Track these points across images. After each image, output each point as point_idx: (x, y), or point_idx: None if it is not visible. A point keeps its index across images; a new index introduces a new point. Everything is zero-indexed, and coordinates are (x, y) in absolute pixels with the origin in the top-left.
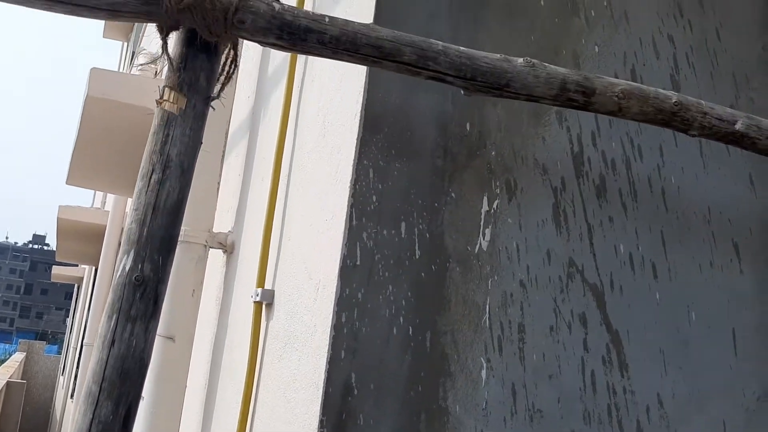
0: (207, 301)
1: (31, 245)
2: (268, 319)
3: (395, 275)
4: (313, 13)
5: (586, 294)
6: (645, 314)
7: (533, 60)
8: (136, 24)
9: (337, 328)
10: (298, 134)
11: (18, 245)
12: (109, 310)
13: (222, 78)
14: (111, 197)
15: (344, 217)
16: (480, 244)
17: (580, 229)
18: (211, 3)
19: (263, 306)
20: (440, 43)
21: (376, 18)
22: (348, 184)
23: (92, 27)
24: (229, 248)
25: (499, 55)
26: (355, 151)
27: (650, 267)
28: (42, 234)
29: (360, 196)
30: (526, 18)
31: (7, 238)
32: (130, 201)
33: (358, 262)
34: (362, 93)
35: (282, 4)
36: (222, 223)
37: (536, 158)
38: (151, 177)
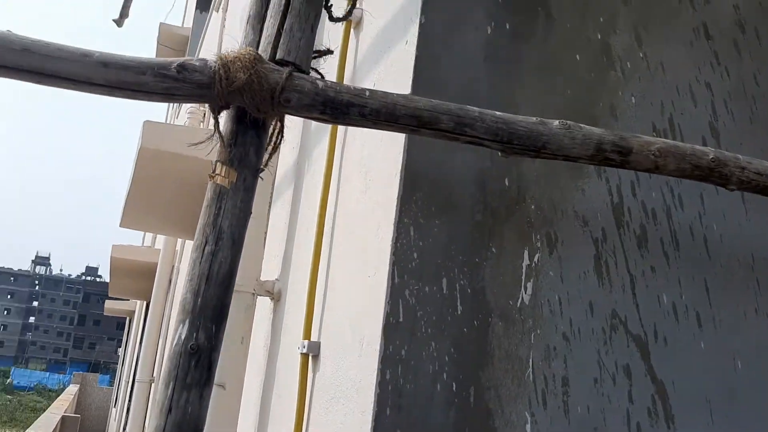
0: (255, 349)
1: (84, 277)
2: (314, 371)
3: (438, 331)
4: (354, 87)
5: (629, 345)
6: (690, 364)
7: (569, 122)
8: None
9: (381, 385)
10: (341, 188)
11: (72, 277)
12: (166, 378)
13: (269, 148)
14: (161, 236)
15: (386, 274)
16: (522, 297)
17: (622, 279)
18: (259, 84)
19: (310, 358)
20: (476, 109)
21: (414, 78)
22: (389, 242)
23: None
24: (276, 296)
25: (534, 119)
26: (396, 210)
27: (694, 316)
28: (95, 266)
29: (401, 254)
30: (562, 73)
31: (61, 270)
32: (179, 240)
33: (401, 319)
34: (402, 152)
35: (325, 81)
36: (269, 270)
37: (576, 210)
38: (204, 248)
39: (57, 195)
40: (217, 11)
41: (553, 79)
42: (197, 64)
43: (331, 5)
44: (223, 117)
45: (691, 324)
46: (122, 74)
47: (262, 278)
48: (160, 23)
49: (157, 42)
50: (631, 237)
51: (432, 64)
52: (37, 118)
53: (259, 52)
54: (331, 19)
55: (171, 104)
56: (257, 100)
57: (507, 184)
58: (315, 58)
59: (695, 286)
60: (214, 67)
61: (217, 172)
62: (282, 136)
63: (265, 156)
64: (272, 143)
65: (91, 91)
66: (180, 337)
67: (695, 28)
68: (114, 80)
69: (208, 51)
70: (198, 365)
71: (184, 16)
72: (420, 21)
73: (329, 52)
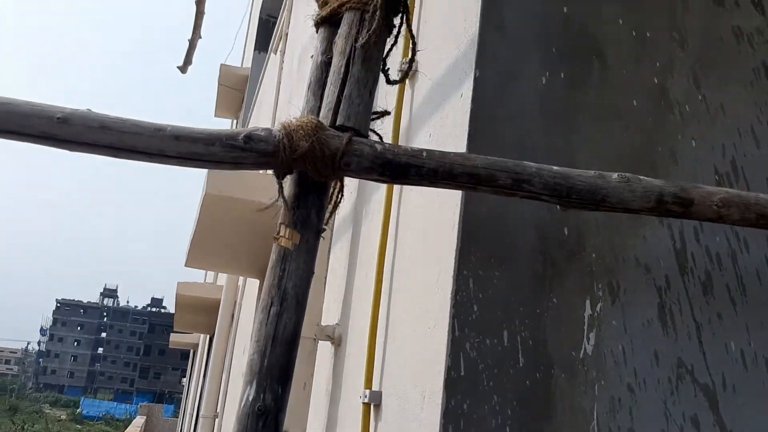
0: (317, 394)
1: (149, 308)
2: (376, 420)
3: (500, 384)
4: (411, 149)
5: (697, 395)
6: (760, 413)
7: (627, 175)
8: (244, 103)
9: None
10: (399, 235)
11: (137, 309)
12: None
13: (330, 207)
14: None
15: (447, 327)
16: (585, 348)
17: (688, 327)
18: (320, 151)
19: (371, 407)
20: (533, 165)
21: (470, 131)
22: (449, 295)
23: (204, 105)
24: (336, 341)
25: (593, 172)
26: (455, 262)
27: (763, 363)
28: (159, 297)
29: (461, 306)
30: (620, 119)
31: (127, 302)
32: (241, 277)
33: (462, 373)
34: (460, 203)
35: (383, 144)
36: (329, 315)
37: (638, 257)
38: (270, 310)
39: (125, 230)
40: (275, 53)
41: (610, 126)
42: (262, 134)
43: (388, 69)
44: (287, 181)
45: (761, 372)
46: (193, 146)
47: (323, 322)
48: (221, 64)
49: (218, 82)
50: (696, 283)
51: (487, 116)
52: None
53: (320, 118)
54: (389, 82)
55: None
56: (319, 166)
57: (566, 233)
58: (374, 120)
59: (764, 332)
60: (279, 136)
61: (281, 234)
62: (342, 195)
63: (326, 215)
64: (333, 202)
65: (163, 163)
66: (248, 398)
67: (755, 68)
68: (185, 152)
69: (267, 91)
70: (265, 426)
71: (243, 56)
72: (474, 75)
73: (386, 113)
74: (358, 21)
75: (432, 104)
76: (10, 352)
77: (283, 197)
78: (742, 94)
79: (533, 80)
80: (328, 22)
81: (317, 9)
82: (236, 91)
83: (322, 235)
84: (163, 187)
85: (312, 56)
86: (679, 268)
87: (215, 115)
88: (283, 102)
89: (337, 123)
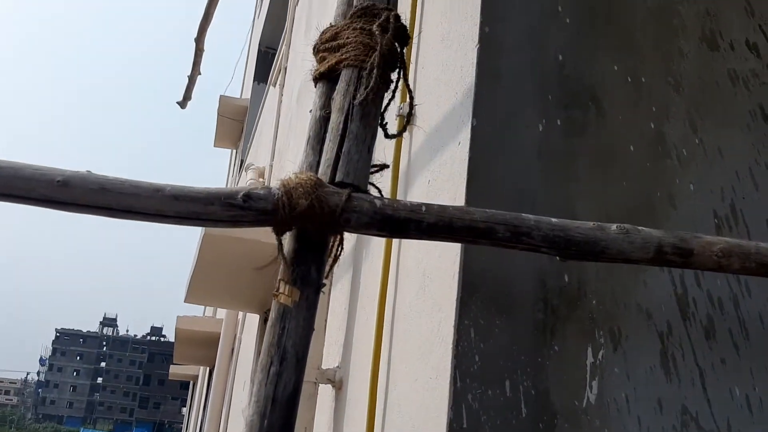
0: None
1: (149, 337)
2: None
3: None
4: (410, 203)
5: None
6: None
7: (626, 226)
8: (244, 133)
9: None
10: (399, 281)
11: (137, 338)
12: None
13: (329, 260)
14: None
15: (448, 379)
16: (587, 397)
17: (691, 373)
18: (320, 208)
19: None
20: (532, 217)
21: (469, 179)
22: (450, 346)
23: (204, 136)
24: (337, 384)
25: (591, 224)
26: (456, 312)
27: None
28: (159, 326)
29: (463, 357)
30: (617, 165)
31: (127, 331)
32: (241, 312)
33: (464, 425)
34: (460, 252)
35: (383, 199)
36: (330, 357)
37: (639, 303)
38: (269, 369)
39: (126, 258)
40: (274, 86)
41: (608, 172)
42: (261, 192)
43: (386, 123)
44: (285, 237)
45: (766, 417)
46: (192, 206)
47: (324, 365)
48: (220, 96)
49: (218, 113)
50: (698, 328)
51: (485, 164)
52: None
53: (319, 174)
54: (387, 136)
55: (232, 167)
56: (318, 223)
57: (567, 279)
58: (372, 173)
59: None
60: (278, 194)
61: (281, 291)
62: (342, 249)
63: (326, 268)
64: (332, 256)
65: (162, 222)
66: None
67: (751, 110)
68: (184, 212)
69: (266, 123)
70: None
71: (243, 87)
72: (472, 123)
73: (385, 166)
74: (356, 78)
75: (430, 150)
76: (10, 382)
77: (282, 254)
78: (739, 137)
79: (530, 127)
80: (326, 78)
81: (315, 64)
82: (236, 121)
83: (322, 290)
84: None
85: (310, 111)
86: (681, 313)
87: (214, 145)
88: (283, 135)
89: (336, 179)
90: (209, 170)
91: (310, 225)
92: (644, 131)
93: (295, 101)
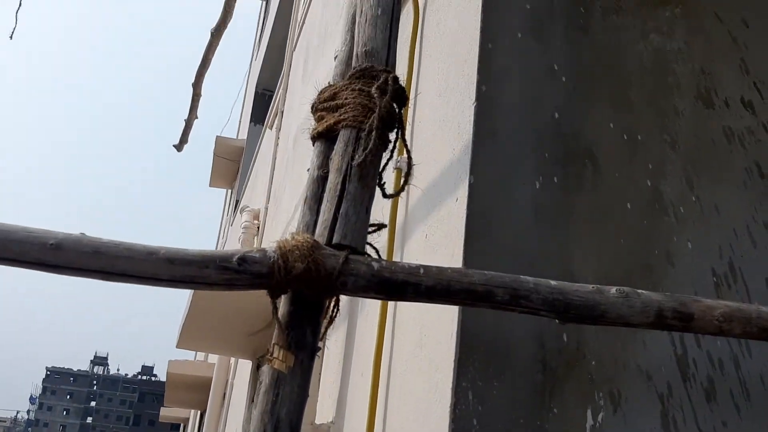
0: None
1: (140, 376)
2: None
3: None
4: (408, 266)
5: None
6: None
7: (626, 289)
8: (239, 174)
9: None
10: (396, 338)
11: (128, 377)
12: None
13: (325, 322)
14: None
15: None
16: None
17: None
18: (316, 271)
19: None
20: (531, 280)
21: (467, 236)
22: (448, 409)
23: (199, 176)
24: None
25: (591, 287)
26: (453, 374)
27: None
28: (150, 365)
29: (461, 420)
30: (614, 222)
31: (118, 369)
32: (233, 359)
33: None
34: (457, 312)
35: (380, 261)
36: (324, 412)
37: (639, 364)
38: None
39: (117, 296)
40: (271, 129)
41: (605, 229)
42: (257, 255)
43: (384, 183)
44: (280, 299)
45: None
46: (186, 269)
47: (317, 420)
48: (217, 136)
49: (214, 153)
50: (699, 390)
51: (483, 221)
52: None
53: (317, 235)
54: (385, 196)
55: (227, 207)
56: (315, 286)
57: (566, 340)
58: (370, 233)
59: None
60: (274, 257)
61: (275, 356)
62: (338, 311)
63: (322, 330)
64: (328, 317)
65: (157, 285)
66: None
67: (747, 167)
68: (179, 276)
69: (262, 165)
70: None
71: (239, 128)
72: (469, 181)
73: (383, 226)
74: (354, 138)
75: (428, 205)
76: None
77: (277, 318)
78: (735, 195)
79: (527, 185)
80: (324, 137)
81: (314, 123)
82: (232, 162)
83: (317, 353)
84: None
85: (308, 170)
86: (681, 374)
87: (210, 185)
88: (278, 177)
89: (334, 241)
90: (204, 208)
91: (307, 288)
92: (641, 188)
93: (292, 145)
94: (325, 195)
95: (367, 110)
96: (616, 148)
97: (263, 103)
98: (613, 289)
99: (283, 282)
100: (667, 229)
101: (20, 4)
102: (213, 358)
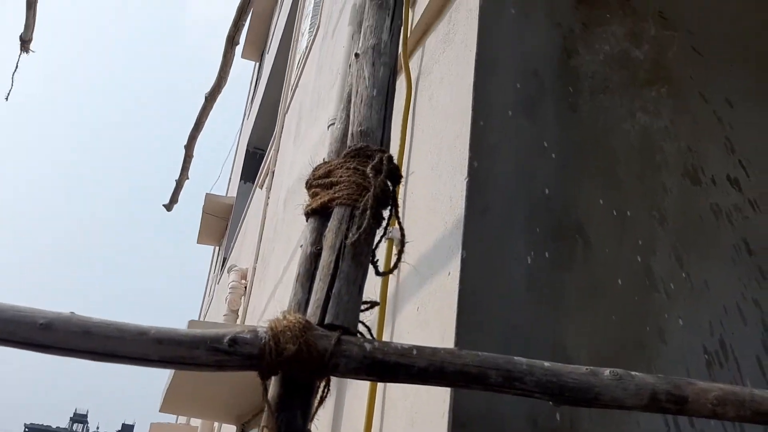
0: None
1: None
2: None
3: None
4: (401, 347)
5: None
6: None
7: (619, 371)
8: (228, 231)
9: None
10: (385, 414)
11: None
12: None
13: (315, 403)
14: None
15: None
16: None
17: None
18: (308, 353)
19: None
20: (524, 361)
21: (459, 311)
22: None
23: (187, 233)
24: None
25: (585, 369)
26: None
27: None
28: (130, 423)
29: None
30: (605, 298)
31: (97, 428)
32: (216, 423)
33: None
34: (450, 390)
35: (373, 342)
36: None
37: None
38: None
39: None
40: (261, 188)
41: (597, 305)
42: (248, 336)
43: (377, 260)
44: (270, 381)
45: None
46: (177, 350)
47: None
48: (206, 193)
49: (203, 210)
50: None
51: (475, 296)
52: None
53: (308, 314)
54: (378, 273)
55: (215, 264)
56: (306, 368)
57: (559, 420)
58: (362, 311)
59: None
60: (265, 339)
61: None
62: (328, 391)
63: (312, 411)
64: (318, 398)
65: (147, 366)
66: None
67: (735, 244)
68: (168, 356)
69: (251, 224)
70: None
71: (229, 185)
72: (462, 255)
73: (376, 304)
74: (348, 216)
75: (420, 278)
76: None
77: (267, 402)
78: (724, 271)
79: (519, 260)
80: (318, 213)
81: (307, 199)
82: (220, 219)
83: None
84: (145, 306)
85: (301, 246)
86: None
87: (198, 242)
88: (267, 238)
89: (326, 321)
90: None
91: (298, 370)
92: (631, 264)
93: (282, 206)
94: (318, 273)
95: (362, 189)
96: (605, 224)
97: (254, 161)
98: (607, 371)
99: (274, 364)
100: (658, 305)
101: (17, 67)
102: (196, 422)
